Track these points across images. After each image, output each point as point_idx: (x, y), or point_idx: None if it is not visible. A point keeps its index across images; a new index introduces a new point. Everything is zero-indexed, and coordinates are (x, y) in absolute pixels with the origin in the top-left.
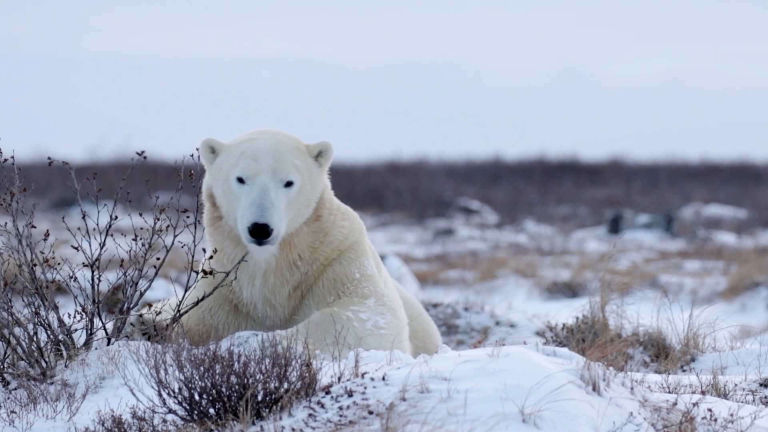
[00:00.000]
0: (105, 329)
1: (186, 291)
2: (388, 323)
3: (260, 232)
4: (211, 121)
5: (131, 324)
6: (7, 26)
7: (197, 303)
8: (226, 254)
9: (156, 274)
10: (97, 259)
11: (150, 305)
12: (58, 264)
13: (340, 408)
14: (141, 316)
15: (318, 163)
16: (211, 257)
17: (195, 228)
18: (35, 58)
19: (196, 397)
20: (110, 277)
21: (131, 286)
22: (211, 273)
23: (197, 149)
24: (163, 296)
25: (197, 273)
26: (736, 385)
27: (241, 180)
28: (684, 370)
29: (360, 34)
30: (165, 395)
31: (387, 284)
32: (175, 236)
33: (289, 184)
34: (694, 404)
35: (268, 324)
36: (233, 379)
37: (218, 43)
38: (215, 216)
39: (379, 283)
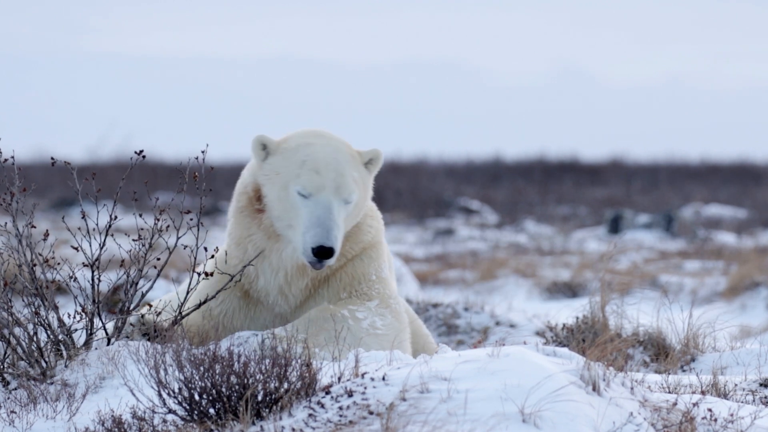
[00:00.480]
0: (105, 329)
1: (188, 293)
2: (386, 325)
3: (324, 254)
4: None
5: (131, 324)
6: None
7: (200, 305)
8: (253, 242)
9: (158, 275)
10: (97, 259)
11: (150, 305)
12: (58, 264)
13: (340, 408)
14: (143, 316)
15: (368, 171)
16: (212, 256)
17: (198, 230)
18: (35, 58)
19: (196, 397)
20: (110, 277)
21: (131, 286)
22: (211, 274)
23: (250, 146)
24: (164, 296)
25: (199, 275)
26: (736, 385)
27: (303, 194)
28: (684, 370)
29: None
30: (165, 395)
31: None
32: (178, 237)
33: (349, 200)
34: (694, 404)
35: (277, 311)
36: (233, 379)
37: (218, 43)
38: (256, 208)
39: (389, 286)
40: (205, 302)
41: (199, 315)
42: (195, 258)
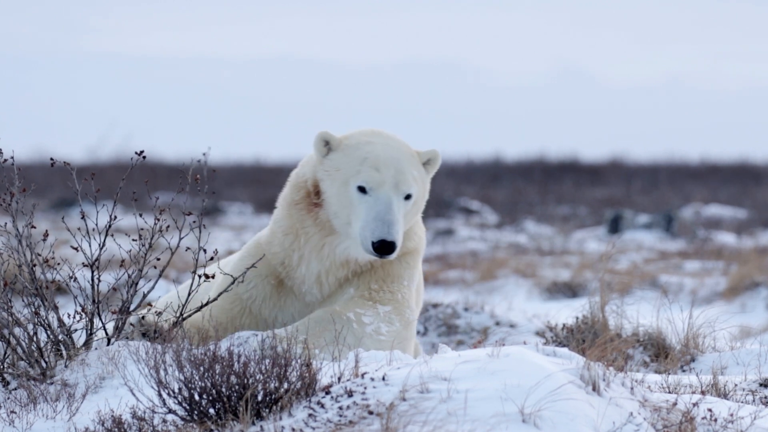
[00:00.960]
0: (105, 329)
1: (189, 294)
2: (391, 331)
3: (386, 248)
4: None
5: (131, 324)
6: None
7: (202, 307)
8: (306, 234)
9: (160, 275)
10: (96, 259)
11: (150, 305)
12: (58, 264)
13: (340, 408)
14: (143, 318)
15: (426, 171)
16: (212, 258)
17: (200, 231)
18: (35, 58)
19: (196, 397)
20: (110, 278)
21: (131, 287)
22: (212, 277)
23: (313, 141)
24: (164, 296)
25: (200, 277)
26: (736, 385)
27: (362, 189)
28: (684, 370)
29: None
30: (165, 395)
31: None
32: (180, 238)
33: (408, 196)
34: (694, 404)
35: (308, 299)
36: (233, 379)
37: (218, 43)
38: (313, 203)
39: (409, 296)
40: (207, 304)
41: (227, 299)
42: (197, 260)
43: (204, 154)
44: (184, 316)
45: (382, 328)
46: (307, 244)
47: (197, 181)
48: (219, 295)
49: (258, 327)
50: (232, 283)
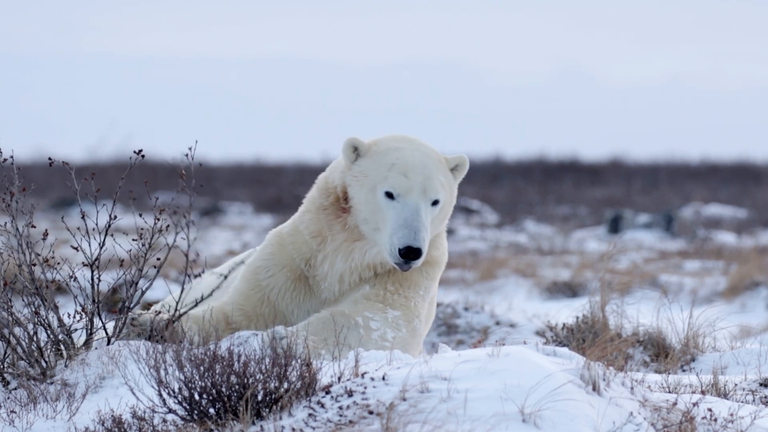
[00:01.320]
0: (105, 329)
1: (182, 292)
2: (397, 338)
3: (412, 255)
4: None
5: (131, 325)
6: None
7: (197, 304)
8: (333, 240)
9: (157, 274)
10: (96, 259)
11: (150, 305)
12: (58, 264)
13: (340, 408)
14: (134, 319)
15: (453, 176)
16: (198, 275)
17: (188, 229)
18: (35, 58)
19: (196, 397)
20: (110, 277)
21: (131, 286)
22: (199, 275)
23: (343, 148)
24: (163, 296)
25: (191, 276)
26: (736, 385)
27: (390, 195)
28: (684, 370)
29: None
30: (165, 395)
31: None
32: (183, 238)
33: (435, 202)
34: (694, 404)
35: (324, 297)
36: (233, 379)
37: (218, 43)
38: (342, 207)
39: (422, 306)
40: (202, 301)
41: (249, 286)
42: (188, 258)
43: (190, 149)
44: (181, 312)
45: (388, 333)
46: (333, 247)
47: (182, 177)
48: (210, 294)
49: (276, 318)
50: (221, 280)
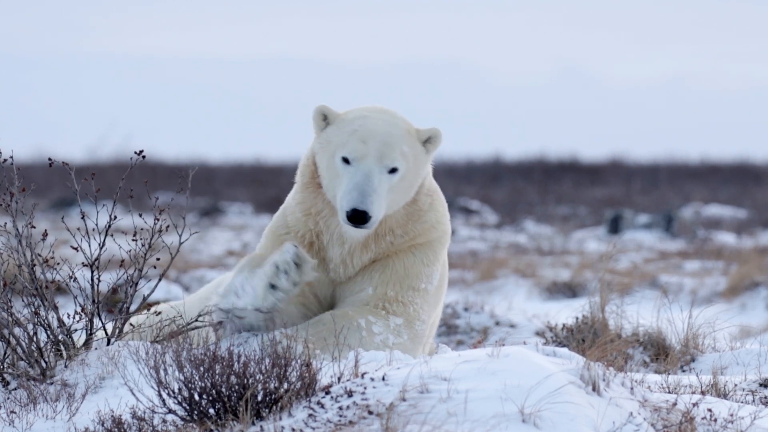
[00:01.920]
0: (105, 329)
1: (155, 286)
2: (398, 344)
3: (358, 218)
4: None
5: (131, 325)
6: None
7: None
8: (323, 217)
9: (160, 279)
10: (96, 259)
11: (150, 306)
12: (58, 264)
13: (340, 408)
14: (127, 319)
15: (425, 149)
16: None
17: (182, 229)
18: (35, 58)
19: (196, 397)
20: (110, 277)
21: (131, 287)
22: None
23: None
24: (163, 296)
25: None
26: (736, 385)
27: (346, 160)
28: (684, 370)
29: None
30: (165, 395)
31: (438, 295)
32: (183, 240)
33: (393, 170)
34: (694, 404)
35: (332, 276)
36: (233, 379)
37: (218, 43)
38: (317, 182)
39: (422, 305)
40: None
41: (272, 238)
42: (173, 257)
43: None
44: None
45: (389, 339)
46: (326, 225)
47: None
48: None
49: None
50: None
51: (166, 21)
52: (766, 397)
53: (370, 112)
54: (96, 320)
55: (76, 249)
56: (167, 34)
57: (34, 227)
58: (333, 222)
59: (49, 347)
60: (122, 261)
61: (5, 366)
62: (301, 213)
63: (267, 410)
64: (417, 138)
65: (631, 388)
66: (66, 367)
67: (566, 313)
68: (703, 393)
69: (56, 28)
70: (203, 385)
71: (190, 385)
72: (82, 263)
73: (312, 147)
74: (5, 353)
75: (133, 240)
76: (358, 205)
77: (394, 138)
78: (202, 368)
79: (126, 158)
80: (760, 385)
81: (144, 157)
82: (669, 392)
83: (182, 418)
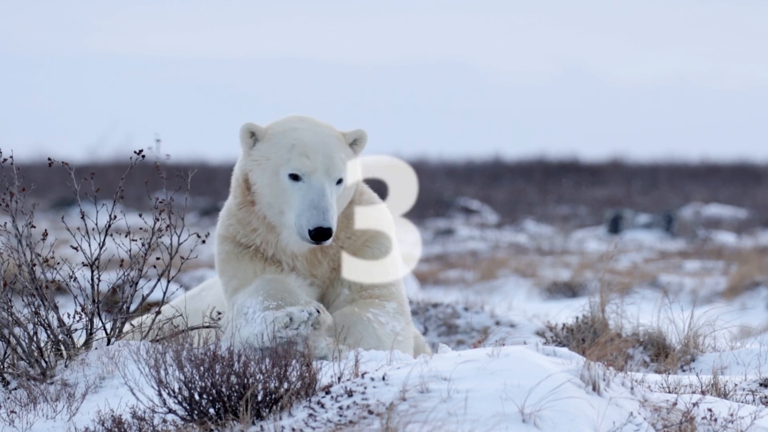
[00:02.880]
0: (105, 329)
1: (148, 289)
2: (404, 330)
3: (322, 235)
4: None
5: (131, 324)
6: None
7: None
8: (259, 235)
9: (159, 279)
10: (96, 259)
11: (150, 306)
12: (58, 264)
13: (340, 408)
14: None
15: (353, 151)
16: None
17: (172, 230)
18: (36, 58)
19: (196, 397)
20: (110, 277)
21: (131, 286)
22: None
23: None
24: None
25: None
26: (736, 385)
27: (295, 177)
28: (684, 370)
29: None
30: (165, 395)
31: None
32: (181, 241)
33: (339, 181)
34: (694, 404)
35: (308, 282)
36: (233, 379)
37: (219, 43)
38: (249, 200)
39: (402, 288)
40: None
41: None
42: (172, 257)
43: (157, 141)
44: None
45: (396, 327)
46: (265, 242)
47: (158, 169)
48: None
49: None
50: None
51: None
52: (766, 397)
53: (296, 123)
54: (96, 320)
55: (76, 249)
56: (168, 34)
57: (34, 227)
58: (271, 238)
59: (49, 347)
60: (122, 261)
61: (5, 366)
62: (244, 229)
63: (267, 410)
64: (345, 142)
65: (631, 388)
66: (66, 367)
67: (566, 313)
68: (703, 393)
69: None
70: (203, 384)
71: (190, 385)
72: (82, 263)
73: (242, 165)
74: (5, 353)
75: (133, 240)
76: (322, 223)
77: (332, 148)
78: (202, 368)
79: (126, 158)
80: (760, 385)
81: (144, 156)
82: (669, 392)
83: (182, 418)
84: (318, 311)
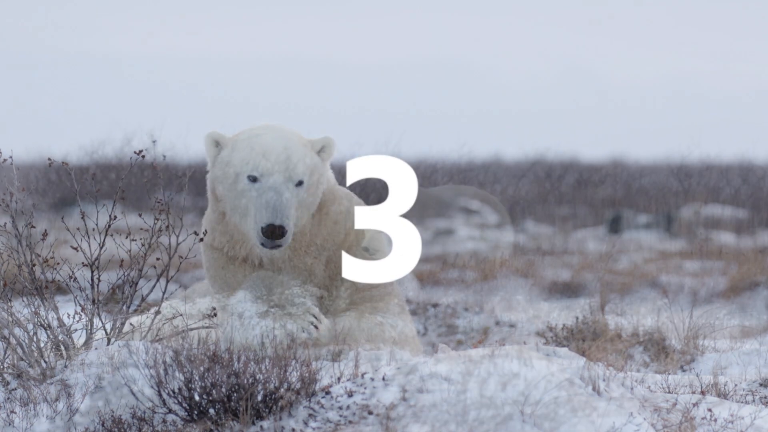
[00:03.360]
0: (105, 329)
1: (150, 289)
2: (410, 329)
3: (275, 233)
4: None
5: (131, 324)
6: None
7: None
8: (244, 247)
9: (158, 279)
10: (96, 259)
11: (150, 306)
12: (58, 264)
13: (340, 408)
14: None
15: (321, 158)
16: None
17: (170, 230)
18: (36, 57)
19: (196, 397)
20: (110, 277)
21: (131, 286)
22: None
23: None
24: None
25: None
26: (736, 385)
27: (252, 178)
28: (684, 370)
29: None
30: (165, 395)
31: None
32: (180, 242)
33: (300, 183)
34: (694, 404)
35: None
36: (233, 379)
37: (221, 43)
38: (221, 210)
39: (397, 286)
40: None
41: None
42: (171, 257)
43: (153, 141)
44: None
45: (404, 326)
46: (248, 252)
47: (155, 168)
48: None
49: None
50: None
51: (167, 21)
52: (766, 397)
53: (262, 130)
54: (96, 320)
55: (76, 249)
56: (168, 34)
57: (34, 227)
58: (249, 246)
59: (49, 347)
60: (122, 261)
61: (5, 366)
62: (229, 242)
63: (267, 410)
64: (312, 149)
65: (631, 388)
66: (66, 367)
67: (566, 313)
68: (703, 393)
69: (57, 28)
70: (203, 384)
71: (190, 385)
72: (82, 263)
73: (210, 176)
74: (5, 353)
75: (132, 240)
76: (273, 220)
77: (293, 152)
78: (202, 368)
79: (126, 158)
80: (760, 385)
81: (144, 156)
82: (669, 392)
83: (182, 418)
84: (316, 326)
